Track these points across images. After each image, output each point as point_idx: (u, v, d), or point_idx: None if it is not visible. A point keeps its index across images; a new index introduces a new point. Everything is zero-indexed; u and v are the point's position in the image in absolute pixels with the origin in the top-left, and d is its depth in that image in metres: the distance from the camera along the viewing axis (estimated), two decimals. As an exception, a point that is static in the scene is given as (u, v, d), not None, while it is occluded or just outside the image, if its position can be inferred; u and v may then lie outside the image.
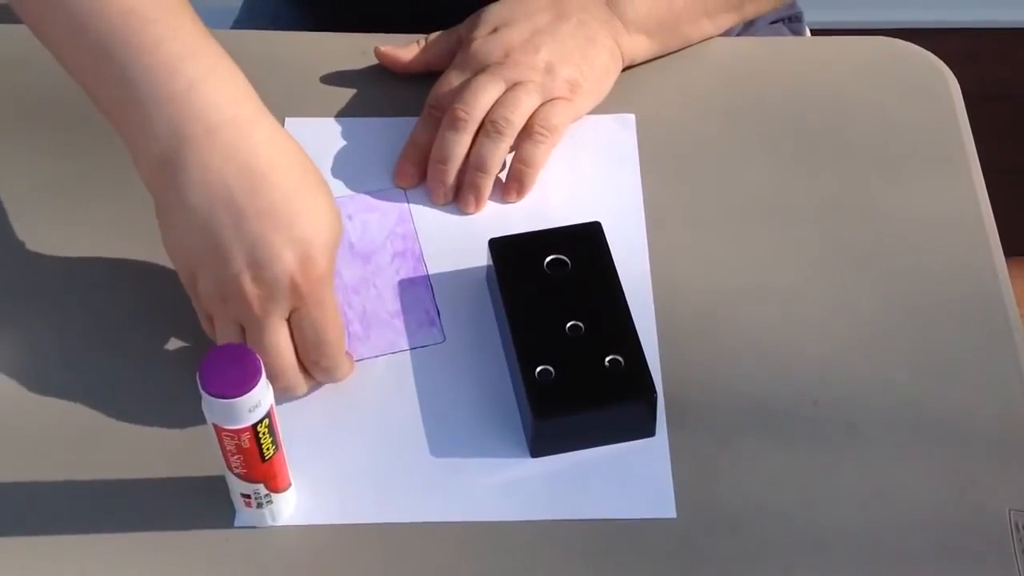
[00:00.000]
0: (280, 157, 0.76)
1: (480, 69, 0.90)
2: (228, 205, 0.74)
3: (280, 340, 0.76)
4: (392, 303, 0.84)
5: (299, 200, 0.75)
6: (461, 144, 0.89)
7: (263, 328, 0.75)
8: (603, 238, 0.83)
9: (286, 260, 0.74)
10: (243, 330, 0.76)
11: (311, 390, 0.80)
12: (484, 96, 0.89)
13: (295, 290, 0.74)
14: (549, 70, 0.90)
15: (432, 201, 0.89)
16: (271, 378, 0.72)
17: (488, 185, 0.89)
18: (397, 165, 0.91)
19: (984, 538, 0.74)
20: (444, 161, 0.89)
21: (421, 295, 0.85)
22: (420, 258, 0.86)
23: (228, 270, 0.74)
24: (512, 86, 0.89)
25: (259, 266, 0.74)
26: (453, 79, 0.91)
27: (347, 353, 0.80)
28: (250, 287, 0.74)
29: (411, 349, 0.82)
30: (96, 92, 0.77)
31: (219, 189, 0.74)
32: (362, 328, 0.83)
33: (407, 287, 0.85)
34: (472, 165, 0.89)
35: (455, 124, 0.89)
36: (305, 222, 0.75)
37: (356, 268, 0.86)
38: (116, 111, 0.76)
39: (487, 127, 0.88)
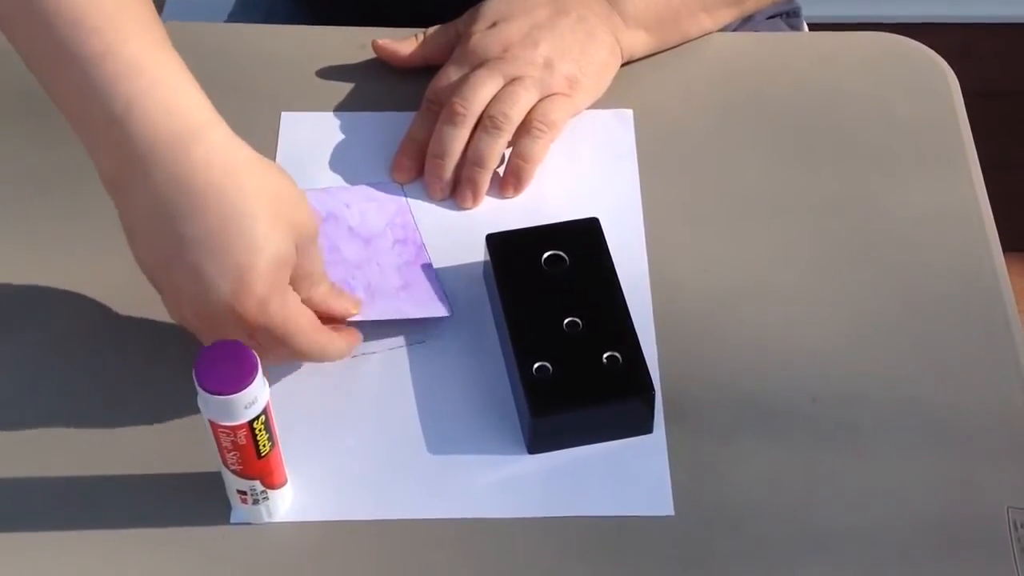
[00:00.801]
0: (219, 176, 0.72)
1: (479, 64, 0.90)
2: (168, 232, 0.71)
3: None
4: (396, 280, 0.84)
5: (234, 223, 0.71)
6: (459, 139, 0.88)
7: None
8: (601, 234, 0.83)
9: (222, 291, 0.71)
10: None
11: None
12: (482, 91, 0.89)
13: (240, 319, 0.72)
14: (548, 65, 0.90)
15: (429, 196, 0.89)
16: None
17: (486, 180, 0.88)
18: (394, 160, 0.90)
19: (982, 535, 0.74)
20: (442, 156, 0.88)
21: (425, 276, 0.84)
22: (421, 246, 0.86)
23: (176, 298, 0.73)
24: (510, 81, 0.89)
25: (199, 298, 0.72)
26: (451, 74, 0.91)
27: (346, 320, 0.78)
28: (196, 319, 0.73)
29: (412, 343, 0.82)
30: (55, 100, 0.75)
31: (160, 214, 0.72)
32: (367, 296, 0.82)
33: (411, 268, 0.84)
34: (470, 160, 0.88)
35: (453, 119, 0.88)
36: (239, 247, 0.71)
37: (358, 246, 0.85)
38: (72, 123, 0.74)
39: (485, 122, 0.88)
